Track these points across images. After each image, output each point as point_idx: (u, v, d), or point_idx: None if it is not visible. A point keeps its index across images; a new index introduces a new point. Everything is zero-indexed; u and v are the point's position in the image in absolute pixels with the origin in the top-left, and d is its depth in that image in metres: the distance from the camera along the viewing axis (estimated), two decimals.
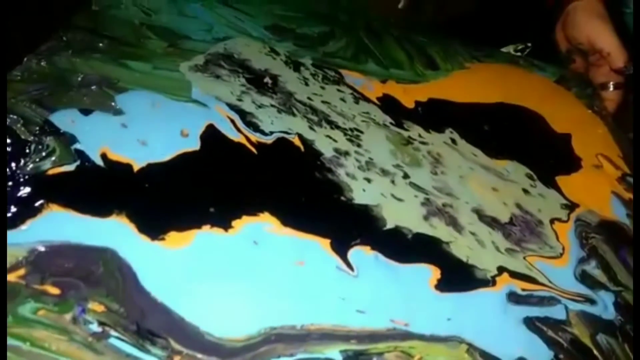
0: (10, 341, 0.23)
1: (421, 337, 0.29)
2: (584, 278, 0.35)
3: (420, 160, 0.42)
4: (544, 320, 0.32)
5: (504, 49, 0.73)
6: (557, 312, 0.33)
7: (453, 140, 0.44)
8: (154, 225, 0.30)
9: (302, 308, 0.29)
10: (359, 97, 0.46)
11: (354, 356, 0.27)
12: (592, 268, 0.36)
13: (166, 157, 0.35)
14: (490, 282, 0.34)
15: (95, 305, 0.26)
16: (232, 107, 0.40)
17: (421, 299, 0.31)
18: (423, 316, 0.30)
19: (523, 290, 0.34)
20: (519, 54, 0.74)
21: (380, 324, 0.29)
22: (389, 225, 0.36)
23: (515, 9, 0.83)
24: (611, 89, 0.55)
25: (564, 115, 0.50)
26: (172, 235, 0.30)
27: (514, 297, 0.33)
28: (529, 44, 0.74)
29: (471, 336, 0.29)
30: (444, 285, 0.32)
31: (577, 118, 0.50)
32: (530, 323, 0.31)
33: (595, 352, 0.31)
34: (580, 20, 0.54)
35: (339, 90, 0.46)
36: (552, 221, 0.40)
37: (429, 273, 0.33)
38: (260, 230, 0.32)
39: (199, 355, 0.25)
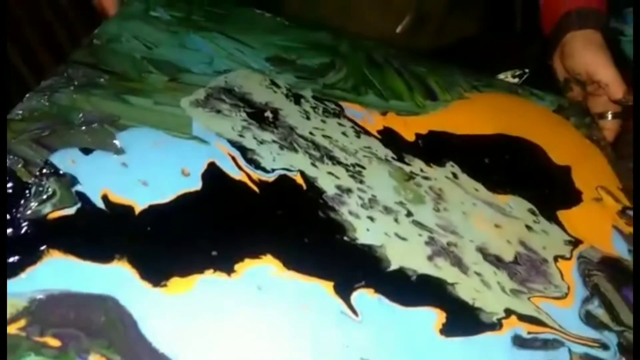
0: None
1: None
2: (589, 319, 0.35)
3: (423, 197, 0.42)
4: None
5: (502, 75, 0.74)
6: (561, 356, 0.32)
7: (454, 175, 0.44)
8: (155, 270, 0.30)
9: (305, 355, 0.28)
10: (360, 130, 0.46)
11: None
12: (595, 307, 0.36)
13: (167, 197, 0.35)
14: (496, 326, 0.33)
15: (96, 358, 0.25)
16: (233, 143, 0.40)
17: (426, 345, 0.31)
18: None
19: (529, 333, 0.33)
20: (517, 79, 0.74)
21: None
22: (393, 266, 0.35)
23: (514, 36, 0.84)
24: (610, 118, 0.55)
25: (564, 146, 0.50)
26: (174, 281, 0.30)
27: (519, 341, 0.33)
28: (527, 70, 0.74)
29: None
30: (449, 329, 0.32)
31: (576, 149, 0.51)
32: None
33: None
34: (578, 51, 0.54)
35: (339, 124, 0.46)
36: (555, 259, 0.40)
37: (434, 317, 0.33)
38: (264, 275, 0.32)
39: None
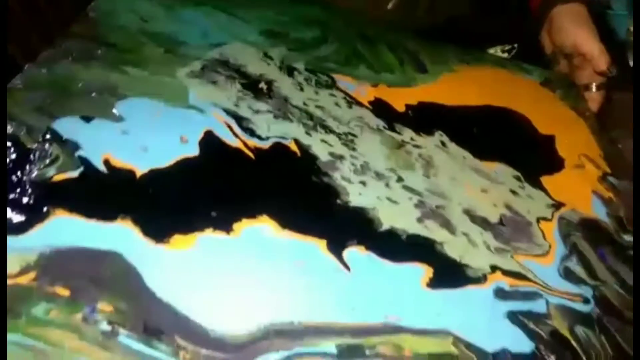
0: (25, 340, 0.25)
1: (411, 331, 0.30)
2: (567, 274, 0.37)
3: (413, 164, 0.43)
4: (526, 314, 0.34)
5: (491, 50, 0.75)
6: (538, 306, 0.34)
7: (443, 143, 0.46)
8: (157, 229, 0.31)
9: (300, 305, 0.30)
10: (352, 101, 0.47)
11: (348, 349, 0.28)
12: (573, 264, 0.38)
13: (167, 163, 0.36)
14: (481, 279, 0.35)
15: (104, 306, 0.27)
16: (229, 112, 0.41)
17: (413, 296, 0.33)
18: (414, 312, 0.31)
19: (511, 286, 0.35)
20: (506, 54, 0.76)
21: (373, 319, 0.30)
22: (384, 226, 0.37)
23: (504, 12, 0.85)
24: (594, 89, 0.57)
25: (548, 117, 0.52)
26: (176, 239, 0.31)
27: (500, 293, 0.35)
28: (515, 45, 0.76)
29: (458, 330, 0.31)
30: (435, 283, 0.34)
31: (560, 119, 0.52)
32: (514, 317, 0.33)
33: (573, 342, 0.33)
34: (564, 25, 0.56)
35: (332, 95, 0.47)
36: (538, 220, 0.42)
37: (422, 271, 0.35)
38: (261, 233, 0.34)
39: (203, 351, 0.26)
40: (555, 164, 0.47)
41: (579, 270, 0.38)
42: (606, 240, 0.41)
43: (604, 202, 0.44)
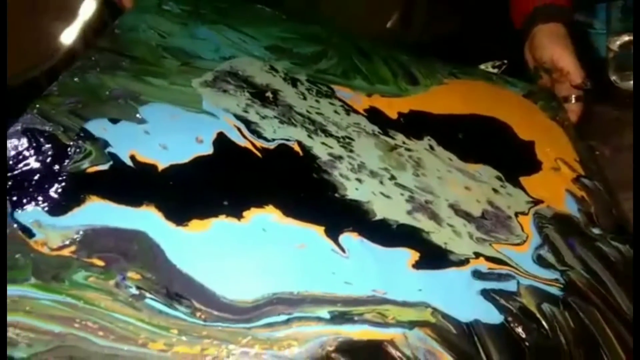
0: (68, 300, 0.29)
1: (395, 303, 0.35)
2: (539, 260, 0.42)
3: (405, 164, 0.48)
4: (498, 291, 0.38)
5: (482, 66, 0.80)
6: (510, 286, 0.39)
7: (431, 147, 0.51)
8: (178, 214, 0.36)
9: (299, 279, 0.35)
10: (349, 109, 0.52)
11: (339, 315, 0.33)
12: (545, 252, 0.43)
13: (185, 159, 0.41)
14: (463, 263, 0.40)
15: (133, 274, 0.32)
16: (238, 117, 0.47)
17: (399, 275, 0.37)
18: (399, 287, 0.36)
19: (488, 269, 0.40)
20: (495, 70, 0.81)
21: (362, 292, 0.35)
22: (377, 217, 0.42)
23: (494, 30, 0.91)
24: (573, 101, 0.62)
25: (530, 125, 0.57)
26: (194, 222, 0.36)
27: (477, 274, 0.39)
28: (505, 61, 0.81)
29: (437, 303, 0.35)
30: (420, 265, 0.39)
31: (540, 127, 0.57)
32: (487, 294, 0.38)
33: (539, 317, 0.37)
34: (543, 42, 0.61)
35: (331, 103, 0.52)
36: (516, 215, 0.46)
37: (409, 255, 0.39)
38: (267, 220, 0.38)
39: (216, 313, 0.31)
40: (533, 166, 0.52)
41: (549, 257, 0.42)
42: (576, 233, 0.45)
43: (576, 200, 0.49)
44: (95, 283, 0.30)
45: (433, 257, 0.39)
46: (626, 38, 0.67)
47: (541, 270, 0.41)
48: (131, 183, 0.38)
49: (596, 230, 0.46)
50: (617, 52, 0.68)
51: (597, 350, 0.37)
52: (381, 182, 0.45)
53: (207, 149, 0.42)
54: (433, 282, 0.37)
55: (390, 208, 0.43)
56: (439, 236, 0.42)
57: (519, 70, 0.73)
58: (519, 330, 0.36)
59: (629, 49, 0.67)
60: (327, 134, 0.48)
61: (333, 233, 0.38)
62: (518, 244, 0.43)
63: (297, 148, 0.45)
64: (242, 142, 0.44)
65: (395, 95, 0.55)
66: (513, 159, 0.52)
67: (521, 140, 0.55)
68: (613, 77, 0.69)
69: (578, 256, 0.43)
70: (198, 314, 0.30)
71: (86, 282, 0.30)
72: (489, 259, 0.41)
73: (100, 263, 0.31)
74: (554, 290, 0.39)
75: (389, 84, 0.57)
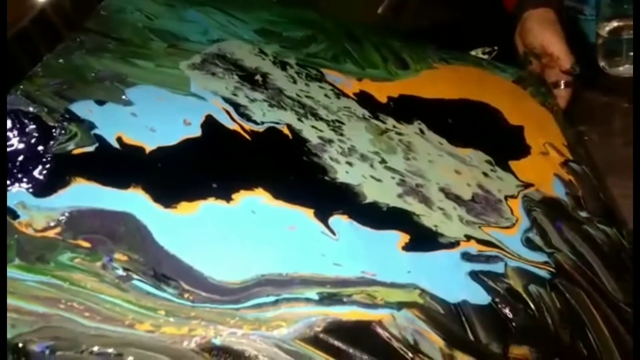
0: (53, 281, 0.29)
1: (384, 284, 0.35)
2: (527, 242, 0.42)
3: (395, 148, 0.48)
4: (486, 273, 0.38)
5: (473, 52, 0.80)
6: (498, 268, 0.39)
7: (421, 131, 0.51)
8: (166, 196, 0.36)
9: (288, 260, 0.35)
10: (339, 93, 0.52)
11: (328, 296, 0.33)
12: (533, 235, 0.43)
13: (173, 141, 0.40)
14: (453, 245, 0.40)
15: (120, 256, 0.31)
16: (227, 100, 0.46)
17: (388, 257, 0.37)
18: (388, 269, 0.36)
19: (478, 251, 0.40)
20: (486, 56, 0.81)
21: (351, 273, 0.35)
22: (368, 200, 0.42)
23: (484, 16, 0.91)
24: (562, 87, 0.62)
25: (519, 111, 0.57)
26: (182, 205, 0.36)
27: (467, 256, 0.39)
28: (496, 48, 0.81)
29: (425, 284, 0.36)
30: (410, 247, 0.39)
31: (530, 113, 0.57)
32: (475, 275, 0.38)
33: (525, 297, 0.37)
34: (534, 28, 0.61)
35: (321, 87, 0.52)
36: (506, 198, 0.46)
37: (399, 237, 0.39)
38: (256, 202, 0.38)
39: (204, 294, 0.31)
40: (522, 150, 0.52)
41: (537, 239, 0.42)
42: (564, 216, 0.45)
43: (564, 184, 0.49)
44: (81, 264, 0.30)
45: (423, 239, 0.40)
46: (615, 24, 0.67)
47: (529, 253, 0.41)
48: (118, 165, 0.37)
49: (583, 214, 0.46)
50: (606, 38, 0.68)
51: (583, 330, 0.37)
52: (371, 166, 0.45)
53: (195, 132, 0.42)
54: (422, 264, 0.37)
55: (380, 191, 0.43)
56: (430, 219, 0.42)
57: (509, 56, 0.73)
58: (506, 310, 0.36)
59: (618, 35, 0.67)
60: (317, 117, 0.48)
61: (323, 215, 0.38)
62: (507, 227, 0.43)
63: (286, 131, 0.45)
64: (231, 125, 0.44)
65: (385, 80, 0.55)
66: (503, 144, 0.52)
67: (510, 124, 0.55)
68: (602, 63, 0.70)
69: (565, 239, 0.43)
70: (186, 295, 0.30)
71: (72, 263, 0.30)
72: (479, 241, 0.41)
73: (86, 244, 0.31)
74: (542, 272, 0.40)
75: (379, 68, 0.57)
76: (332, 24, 0.60)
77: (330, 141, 0.46)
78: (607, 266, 0.42)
